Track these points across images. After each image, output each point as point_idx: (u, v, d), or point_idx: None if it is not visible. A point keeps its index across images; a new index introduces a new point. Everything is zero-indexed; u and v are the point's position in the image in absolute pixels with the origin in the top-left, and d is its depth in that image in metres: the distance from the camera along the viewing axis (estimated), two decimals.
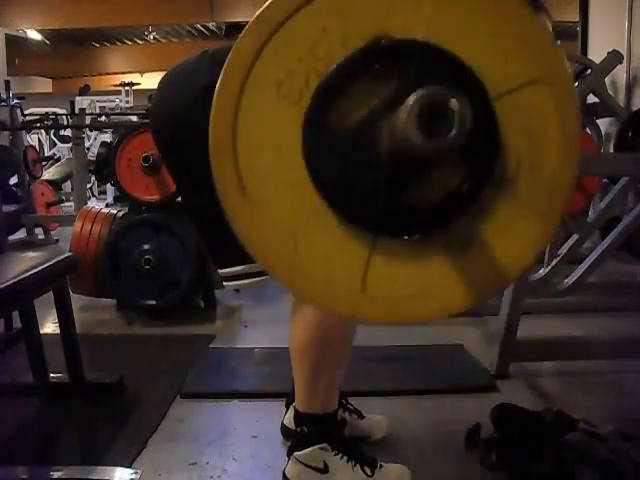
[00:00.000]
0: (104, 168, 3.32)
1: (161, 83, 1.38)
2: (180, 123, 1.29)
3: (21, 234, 5.30)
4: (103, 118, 8.40)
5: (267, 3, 0.72)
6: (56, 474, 1.51)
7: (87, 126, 6.37)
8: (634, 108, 4.10)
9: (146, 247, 2.90)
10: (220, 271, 1.34)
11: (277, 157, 0.75)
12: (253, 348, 2.51)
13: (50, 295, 1.87)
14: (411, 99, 0.66)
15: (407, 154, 0.68)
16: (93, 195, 8.70)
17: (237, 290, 1.54)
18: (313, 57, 0.72)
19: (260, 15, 0.72)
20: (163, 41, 13.11)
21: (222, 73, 0.73)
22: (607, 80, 4.12)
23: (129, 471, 1.54)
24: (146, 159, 2.94)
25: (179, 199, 2.65)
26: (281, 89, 0.73)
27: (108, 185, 7.36)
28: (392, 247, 0.75)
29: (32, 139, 8.90)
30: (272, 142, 0.75)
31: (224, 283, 1.34)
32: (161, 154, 1.45)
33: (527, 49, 0.73)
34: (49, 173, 6.63)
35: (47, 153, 8.91)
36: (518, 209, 0.76)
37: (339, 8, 0.71)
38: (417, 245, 0.75)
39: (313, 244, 0.76)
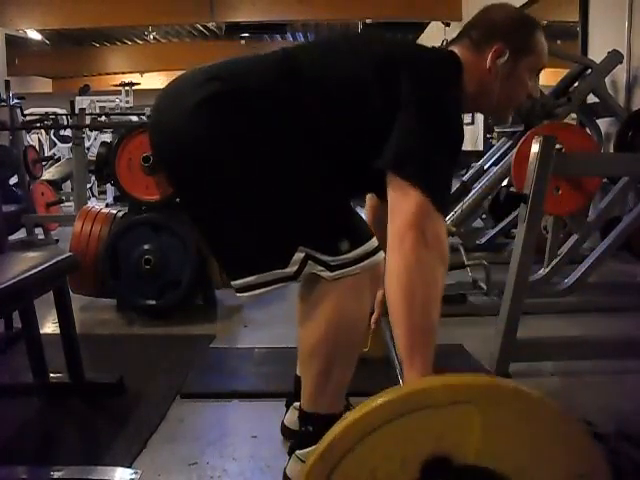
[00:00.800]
0: (104, 168, 3.32)
1: (158, 99, 1.39)
2: (179, 136, 1.29)
3: (21, 234, 5.30)
4: (103, 118, 8.40)
5: (336, 434, 0.81)
6: (56, 474, 1.51)
7: (87, 126, 6.36)
8: (634, 108, 4.10)
9: (146, 247, 2.90)
10: (233, 283, 1.33)
11: None
12: (253, 348, 2.51)
13: (50, 295, 1.86)
14: None
15: None
16: (93, 195, 8.71)
17: None
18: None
19: (332, 442, 0.81)
20: (163, 41, 13.10)
21: None
22: (607, 80, 4.12)
23: (129, 471, 1.54)
24: (146, 159, 2.94)
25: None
26: None
27: (108, 185, 7.36)
28: None
29: (32, 139, 8.91)
30: None
31: (237, 294, 1.34)
32: (163, 169, 1.43)
33: (566, 454, 0.81)
34: (49, 173, 6.63)
35: (47, 153, 8.92)
36: None
37: (399, 435, 0.79)
38: None
39: None
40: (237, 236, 1.32)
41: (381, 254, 1.31)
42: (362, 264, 1.28)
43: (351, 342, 1.35)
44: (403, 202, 1.16)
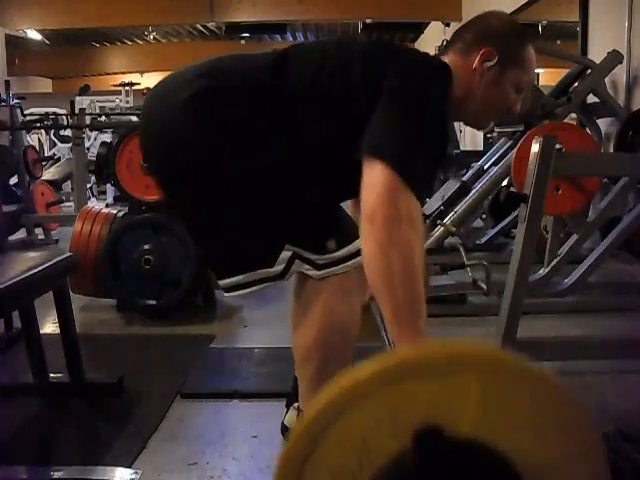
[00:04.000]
0: (104, 168, 3.32)
1: (148, 96, 1.38)
2: (167, 131, 1.28)
3: (21, 234, 5.30)
4: (103, 118, 8.39)
5: (325, 401, 0.77)
6: (56, 474, 1.52)
7: (87, 126, 6.36)
8: (634, 108, 4.10)
9: (146, 247, 2.90)
10: (220, 282, 1.33)
11: None
12: (253, 348, 2.52)
13: (50, 295, 1.87)
14: None
15: None
16: (93, 195, 8.69)
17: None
18: (366, 448, 0.77)
19: (321, 409, 0.78)
20: (163, 41, 13.09)
21: (281, 459, 0.78)
22: (607, 80, 4.12)
23: (129, 471, 1.54)
24: None
25: None
26: (335, 477, 0.78)
27: (108, 185, 7.35)
28: None
29: (32, 139, 8.90)
30: None
31: (225, 294, 1.34)
32: (150, 166, 1.40)
33: (565, 431, 0.79)
34: (49, 173, 6.62)
35: (47, 153, 8.91)
36: None
37: (391, 402, 0.76)
38: None
39: None
40: (223, 235, 1.32)
41: None
42: (349, 263, 1.28)
43: (343, 342, 1.35)
44: (372, 180, 1.09)
